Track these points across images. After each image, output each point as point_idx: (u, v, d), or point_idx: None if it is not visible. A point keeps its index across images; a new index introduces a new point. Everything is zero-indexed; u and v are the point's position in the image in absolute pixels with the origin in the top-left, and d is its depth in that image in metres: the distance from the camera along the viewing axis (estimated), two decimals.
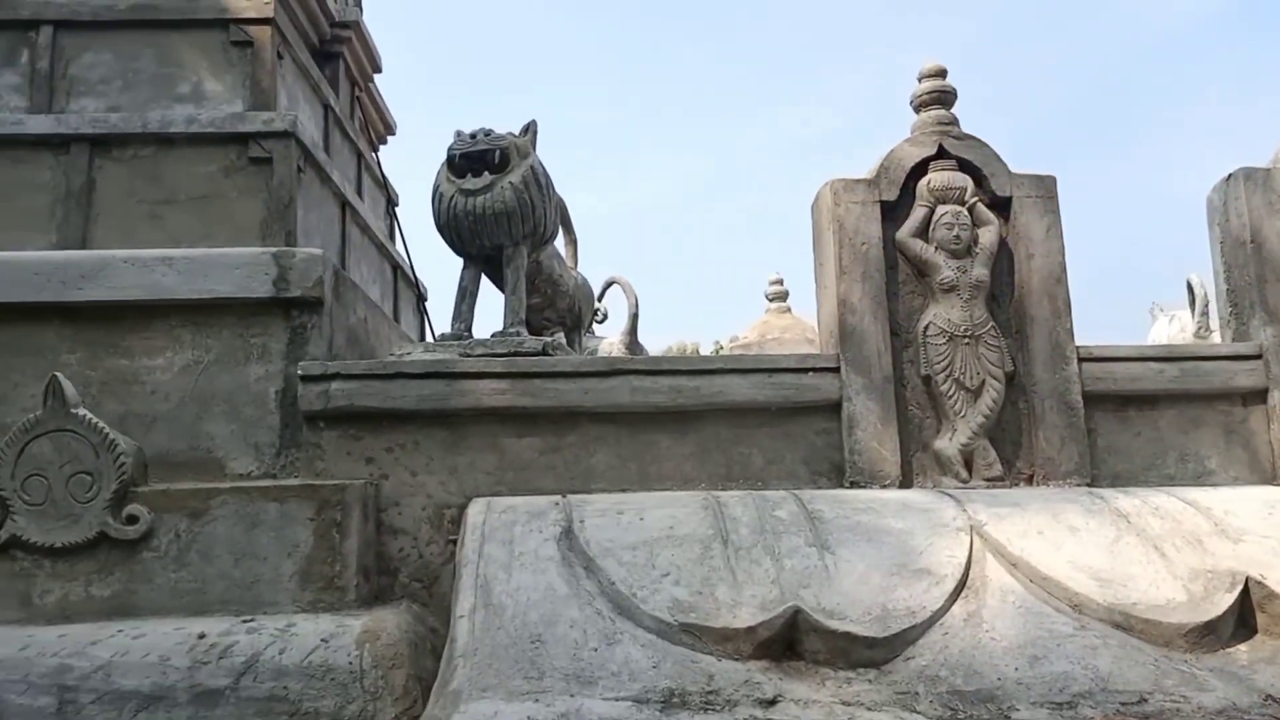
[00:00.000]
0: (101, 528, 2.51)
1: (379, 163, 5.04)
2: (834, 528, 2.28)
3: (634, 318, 4.61)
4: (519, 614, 2.01)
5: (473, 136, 3.05)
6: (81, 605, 2.49)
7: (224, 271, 2.87)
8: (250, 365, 2.87)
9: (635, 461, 2.81)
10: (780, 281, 7.81)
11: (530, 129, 3.17)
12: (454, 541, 2.61)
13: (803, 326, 7.22)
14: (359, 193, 4.46)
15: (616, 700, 1.81)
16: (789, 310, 7.76)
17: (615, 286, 4.60)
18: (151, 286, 2.84)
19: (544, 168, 3.17)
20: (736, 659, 1.96)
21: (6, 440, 2.53)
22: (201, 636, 2.36)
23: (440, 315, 6.47)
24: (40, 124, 3.21)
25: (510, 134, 3.10)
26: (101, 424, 2.57)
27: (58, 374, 2.58)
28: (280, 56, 3.52)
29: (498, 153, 3.02)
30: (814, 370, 2.85)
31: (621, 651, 1.92)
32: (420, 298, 5.47)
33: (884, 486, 2.76)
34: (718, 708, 1.81)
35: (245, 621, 2.43)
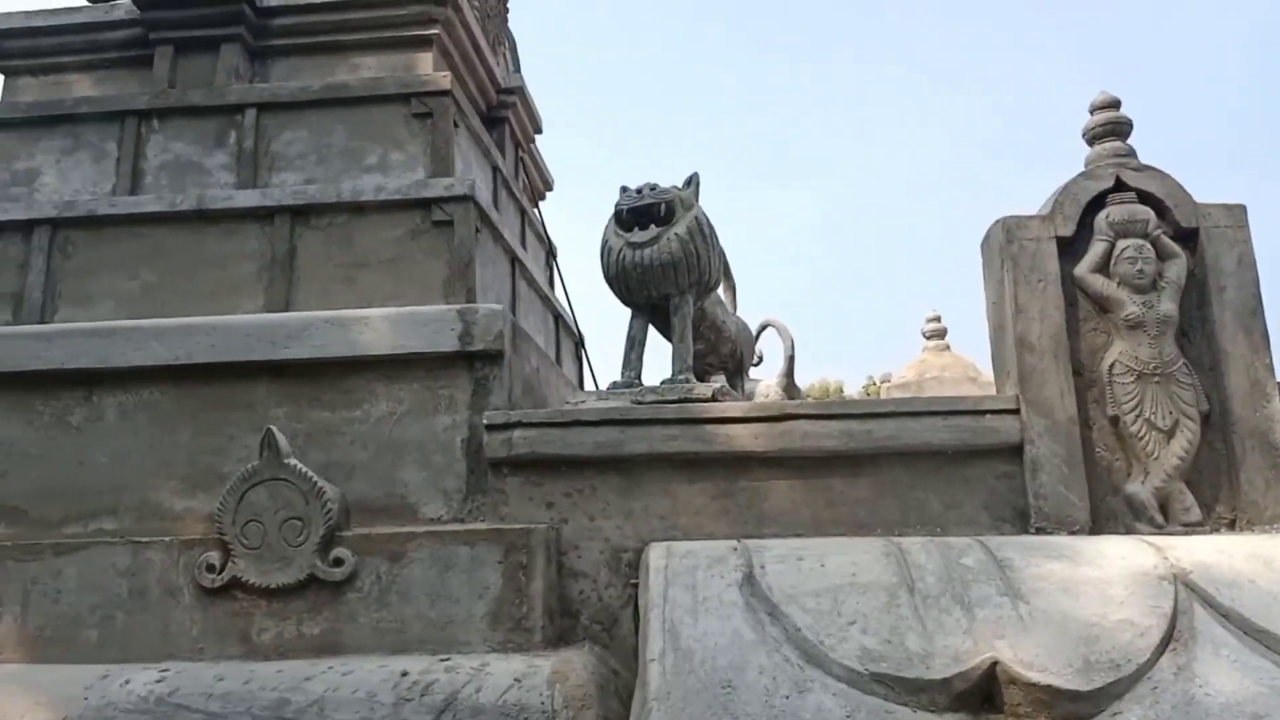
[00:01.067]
0: (311, 570, 2.71)
1: (541, 217, 5.27)
2: (1025, 576, 2.22)
3: (790, 360, 4.61)
4: (707, 659, 2.05)
5: (639, 191, 3.17)
6: (294, 643, 2.68)
7: (414, 328, 3.07)
8: (438, 415, 3.04)
9: (808, 507, 2.81)
10: (938, 319, 7.64)
11: (693, 181, 3.27)
12: (632, 585, 2.68)
13: (963, 365, 7.02)
14: (523, 246, 4.67)
15: None
16: (948, 348, 7.57)
17: (770, 329, 4.62)
18: (350, 344, 3.06)
19: (708, 218, 3.25)
20: (932, 711, 1.93)
21: (229, 489, 2.78)
22: (404, 674, 2.50)
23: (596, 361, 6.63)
24: (248, 198, 3.53)
25: (675, 187, 3.20)
26: (310, 473, 2.78)
27: (272, 428, 2.82)
28: (456, 125, 3.76)
29: (663, 206, 3.13)
30: (992, 412, 2.79)
31: (814, 700, 1.93)
32: (577, 344, 5.65)
33: (1072, 533, 2.66)
34: None
35: (442, 660, 2.56)
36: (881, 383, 7.72)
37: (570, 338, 5.41)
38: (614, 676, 2.67)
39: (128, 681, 2.55)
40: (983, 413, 2.78)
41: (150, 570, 2.77)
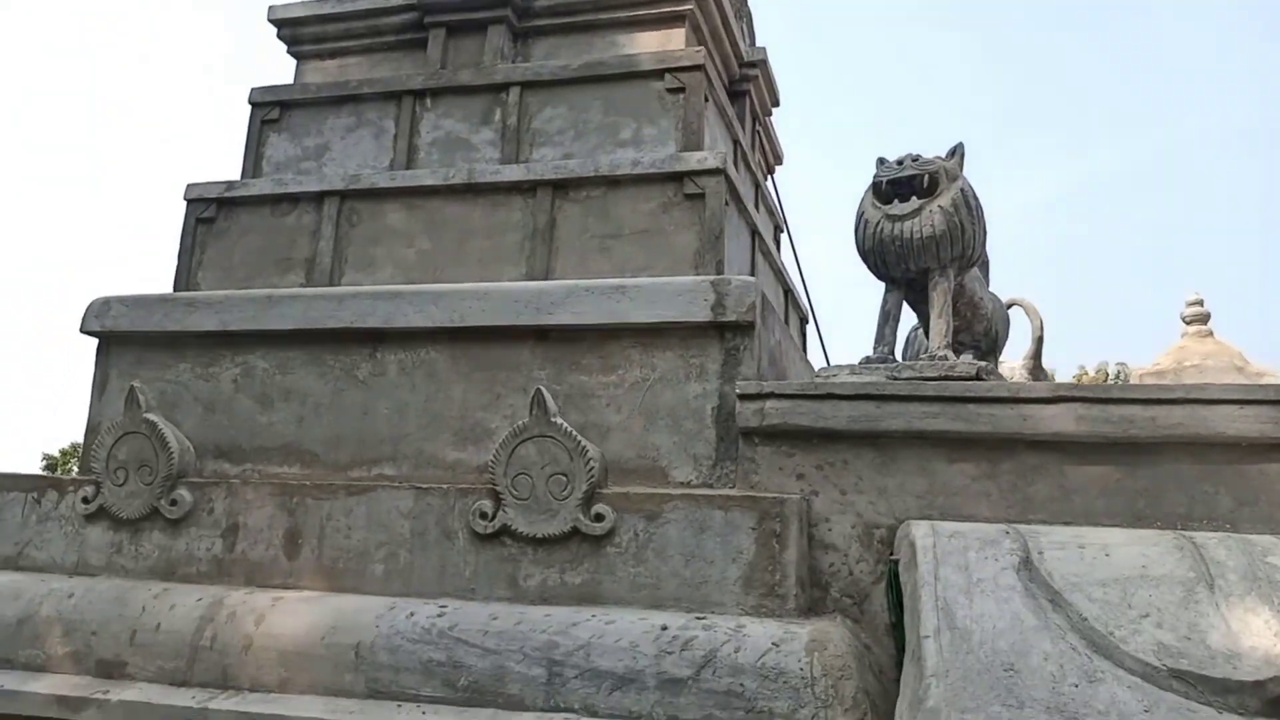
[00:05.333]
0: (574, 523, 2.86)
1: (776, 190, 5.27)
2: None
3: (1039, 341, 4.39)
4: (986, 640, 2.00)
5: (899, 163, 3.10)
6: (557, 590, 2.85)
7: (669, 298, 3.16)
8: (690, 383, 3.12)
9: (1080, 495, 2.68)
10: (1200, 302, 7.00)
11: (958, 151, 3.16)
12: (892, 561, 2.65)
13: (1229, 353, 6.42)
14: (758, 220, 4.68)
15: None
16: (1210, 334, 6.93)
17: (1018, 308, 4.41)
18: (609, 312, 3.19)
19: (973, 190, 3.14)
20: (1241, 714, 1.81)
21: (501, 443, 2.97)
22: (664, 629, 2.60)
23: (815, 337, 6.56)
24: (513, 172, 3.73)
25: (938, 158, 3.11)
26: (575, 432, 2.93)
27: (541, 388, 2.99)
28: (705, 99, 3.81)
29: (926, 177, 3.05)
30: None
31: (1106, 691, 1.85)
32: (803, 320, 5.61)
33: None
34: None
35: (699, 619, 2.64)
36: (1138, 371, 7.15)
37: (797, 313, 5.39)
38: (866, 651, 2.66)
39: (412, 614, 2.80)
40: None
41: (429, 514, 3.01)
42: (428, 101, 4.06)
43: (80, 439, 4.41)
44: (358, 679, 2.71)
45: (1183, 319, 7.03)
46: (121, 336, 3.67)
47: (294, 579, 3.07)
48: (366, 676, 2.70)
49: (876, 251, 3.15)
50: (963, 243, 3.06)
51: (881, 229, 3.10)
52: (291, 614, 2.86)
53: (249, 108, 4.27)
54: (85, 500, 3.31)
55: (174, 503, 3.21)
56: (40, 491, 3.42)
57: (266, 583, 3.08)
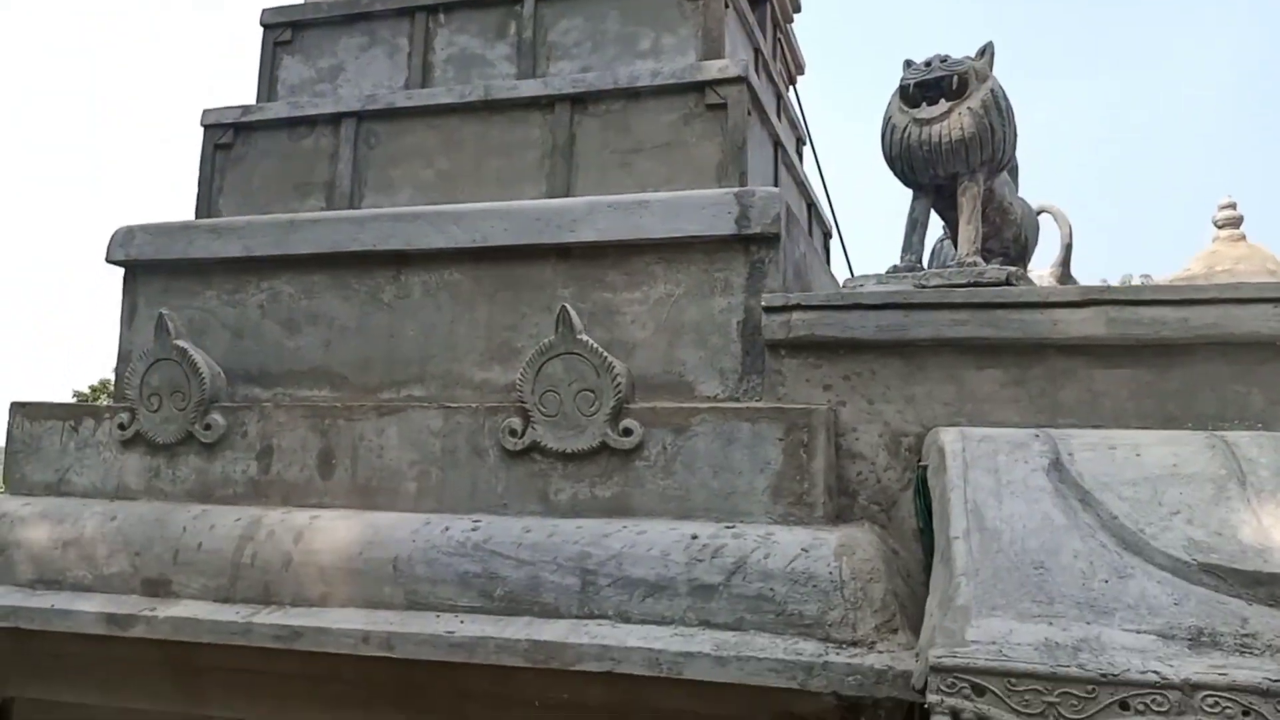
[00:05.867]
0: (603, 438, 2.88)
1: (798, 99, 5.16)
2: None
3: (1067, 248, 4.32)
4: (1016, 540, 2.02)
5: (927, 64, 3.02)
6: (587, 503, 2.89)
7: (692, 212, 3.12)
8: (715, 298, 3.10)
9: (1109, 398, 2.67)
10: (1232, 205, 6.83)
11: (987, 51, 3.07)
12: (921, 467, 2.66)
13: (1262, 256, 6.29)
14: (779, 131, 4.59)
15: (1138, 633, 1.76)
16: (1243, 238, 6.78)
17: (1046, 215, 4.34)
18: (631, 227, 3.16)
19: (1004, 91, 3.05)
20: (1271, 605, 1.82)
21: (528, 361, 2.98)
22: (694, 538, 2.64)
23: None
24: (530, 87, 3.67)
25: (967, 58, 3.02)
26: (600, 348, 2.93)
27: (566, 305, 2.98)
28: (726, 6, 3.70)
29: (955, 79, 2.97)
30: None
31: (1136, 586, 1.87)
32: (827, 235, 5.55)
33: None
34: (1256, 651, 1.70)
35: (729, 527, 2.68)
36: (1169, 280, 7.04)
37: (821, 228, 5.33)
38: (894, 556, 2.70)
39: (447, 528, 2.85)
40: None
41: (459, 432, 3.04)
42: (441, 17, 3.98)
43: (108, 375, 4.48)
44: (397, 591, 2.78)
45: (1214, 223, 6.87)
46: (147, 265, 3.69)
47: (329, 498, 3.13)
48: (405, 589, 2.77)
49: (904, 157, 3.09)
50: (993, 145, 2.99)
51: (909, 134, 3.04)
52: (329, 531, 2.92)
53: (260, 30, 4.20)
54: (121, 427, 3.37)
55: (208, 427, 3.27)
56: (77, 420, 3.49)
57: (302, 502, 3.14)
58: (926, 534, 2.58)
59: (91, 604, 3.01)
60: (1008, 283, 2.81)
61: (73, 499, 3.35)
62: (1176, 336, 2.60)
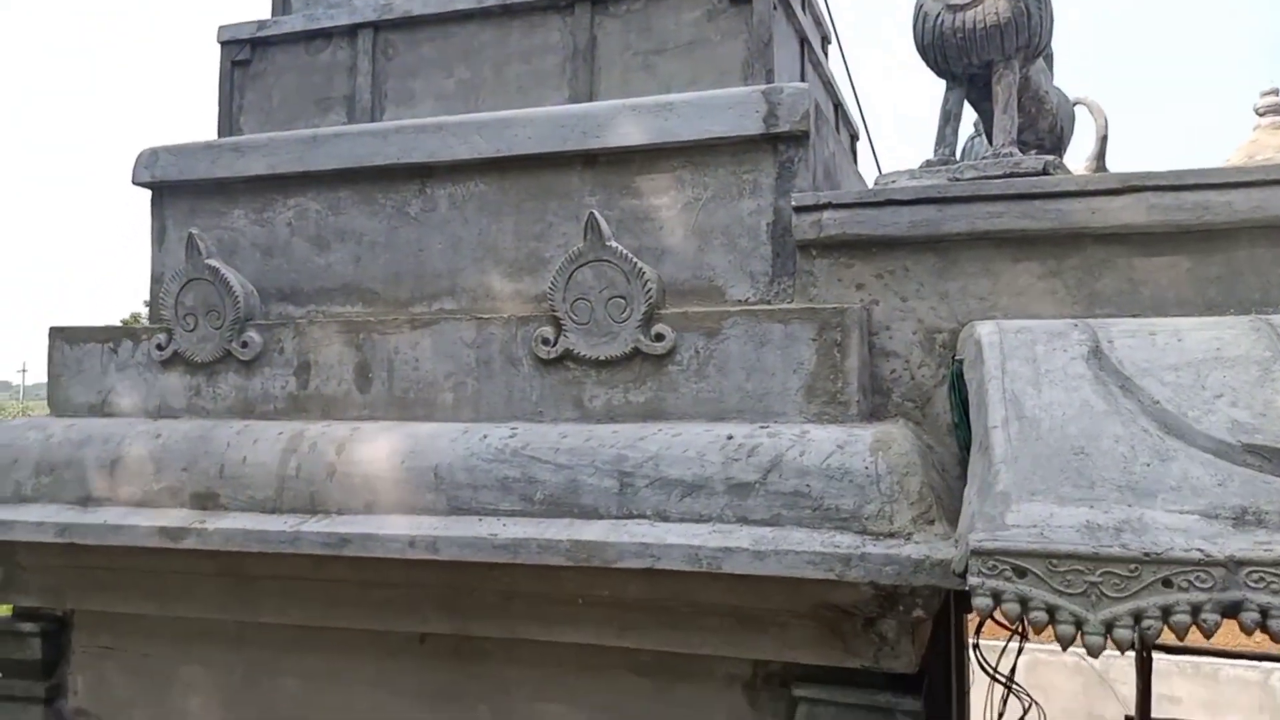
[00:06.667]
0: (635, 344, 2.89)
1: None
2: None
3: (1103, 140, 4.21)
4: (1055, 427, 2.02)
5: None
6: (622, 409, 2.91)
7: (718, 112, 3.06)
8: (743, 200, 3.06)
9: (1149, 287, 2.63)
10: (1275, 92, 6.60)
11: None
12: (949, 363, 2.65)
13: None
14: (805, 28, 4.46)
15: (1181, 513, 1.77)
16: None
17: (1081, 107, 4.21)
18: (657, 131, 3.11)
19: None
20: None
21: (558, 269, 2.97)
22: (730, 438, 2.66)
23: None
24: None
25: None
26: (630, 254, 2.91)
27: (594, 212, 2.95)
28: None
29: None
30: None
31: (1178, 468, 1.86)
32: (854, 136, 5.44)
33: None
34: None
35: (763, 427, 2.69)
36: None
37: (848, 128, 5.22)
38: (929, 450, 2.71)
39: (485, 436, 2.89)
40: None
41: (493, 343, 3.06)
42: None
43: (140, 309, 4.51)
44: (439, 498, 2.83)
45: (1256, 111, 6.64)
46: (173, 186, 3.69)
47: (368, 411, 3.17)
48: (447, 495, 2.82)
49: (936, 46, 3.00)
50: (1029, 30, 2.89)
51: (942, 21, 2.94)
52: (370, 442, 2.97)
53: None
54: (159, 347, 3.41)
55: (245, 345, 3.30)
56: (116, 342, 3.54)
57: (342, 416, 3.19)
58: (962, 428, 2.58)
59: (143, 519, 3.09)
60: (1044, 172, 2.74)
61: (117, 419, 3.42)
62: (1220, 221, 2.54)
